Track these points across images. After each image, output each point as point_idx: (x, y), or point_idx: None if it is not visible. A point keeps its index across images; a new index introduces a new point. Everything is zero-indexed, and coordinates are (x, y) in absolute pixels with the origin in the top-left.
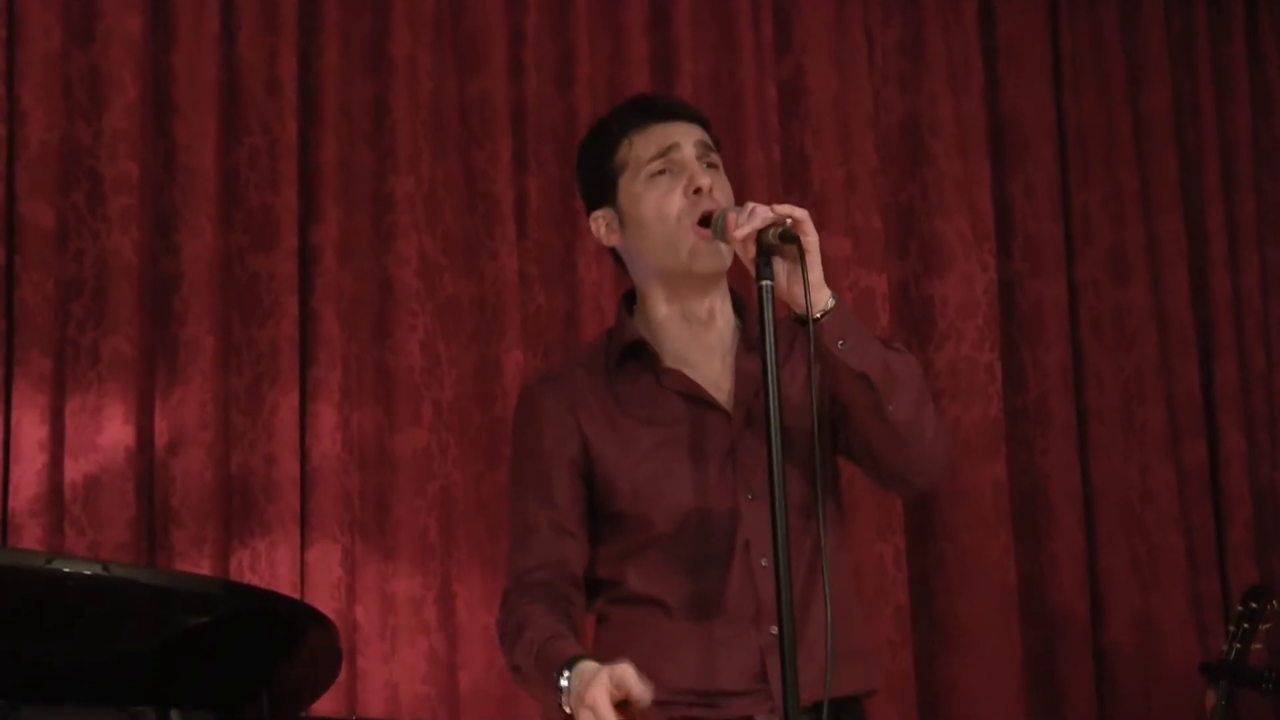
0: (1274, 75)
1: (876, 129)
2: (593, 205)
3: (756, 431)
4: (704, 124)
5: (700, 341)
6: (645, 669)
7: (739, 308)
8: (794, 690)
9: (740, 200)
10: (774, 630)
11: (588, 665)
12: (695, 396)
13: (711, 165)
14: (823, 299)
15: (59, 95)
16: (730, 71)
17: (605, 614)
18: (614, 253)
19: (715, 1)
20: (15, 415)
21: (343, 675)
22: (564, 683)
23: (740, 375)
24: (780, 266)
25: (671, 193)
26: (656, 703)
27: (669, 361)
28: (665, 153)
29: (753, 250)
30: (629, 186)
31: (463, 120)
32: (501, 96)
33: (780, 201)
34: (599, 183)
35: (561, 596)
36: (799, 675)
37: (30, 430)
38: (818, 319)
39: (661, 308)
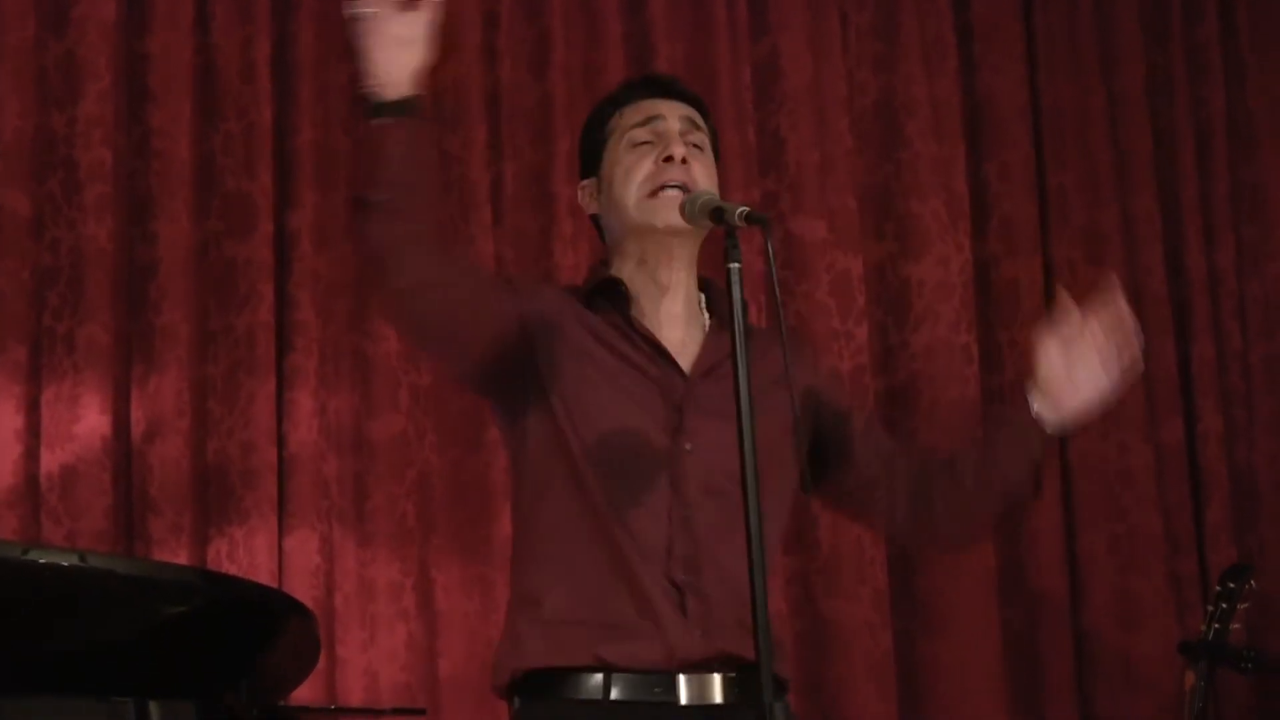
0: (1248, 54)
1: (851, 111)
2: (583, 175)
3: (710, 397)
4: (698, 106)
5: (664, 307)
6: (563, 581)
7: (706, 290)
8: (768, 668)
9: (722, 186)
10: (684, 578)
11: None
12: (656, 345)
13: (696, 146)
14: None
15: (33, 83)
16: (705, 54)
17: (520, 528)
18: (595, 222)
19: None
20: None
21: (322, 663)
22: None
23: (707, 346)
24: (1055, 360)
25: (645, 158)
26: (574, 621)
27: (634, 310)
28: (648, 122)
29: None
30: (611, 153)
31: (437, 105)
32: (476, 81)
33: (755, 183)
34: (589, 153)
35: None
36: (694, 625)
37: (6, 420)
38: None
39: (629, 271)
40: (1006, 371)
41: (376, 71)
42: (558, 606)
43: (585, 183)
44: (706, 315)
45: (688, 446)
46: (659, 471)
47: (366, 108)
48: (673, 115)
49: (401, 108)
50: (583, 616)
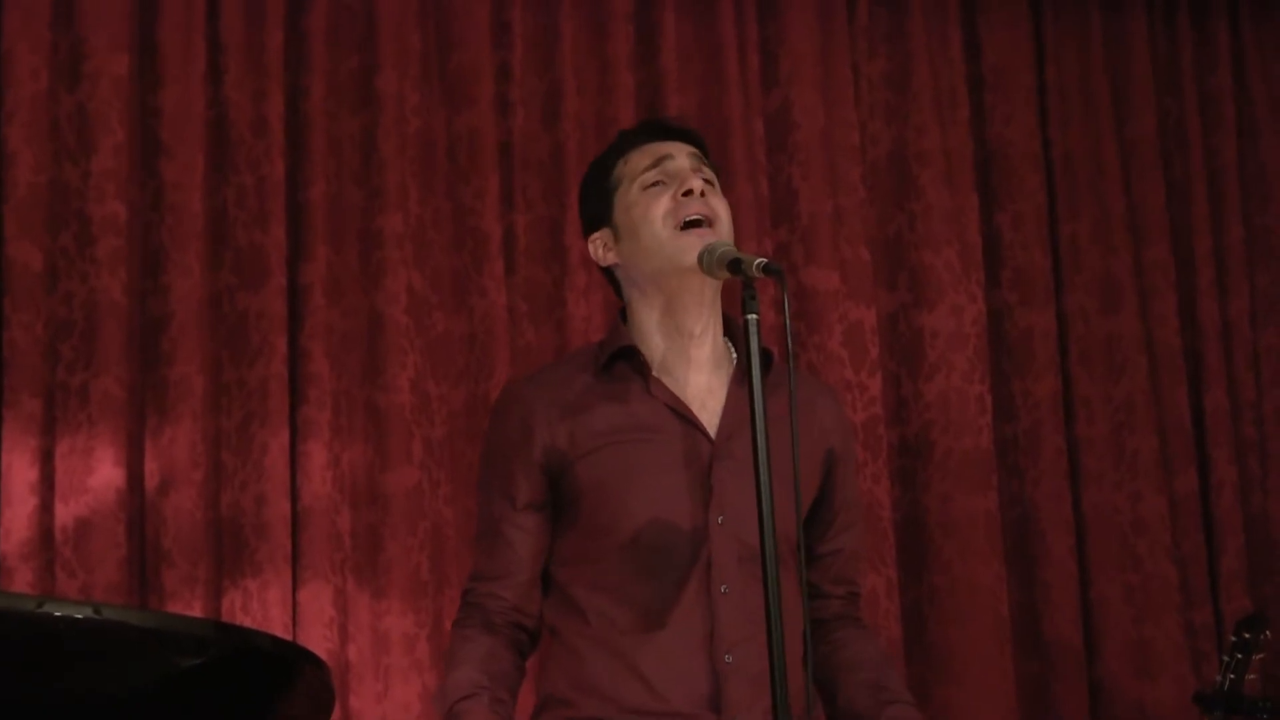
0: (1260, 102)
1: (864, 161)
2: (591, 229)
3: (738, 457)
4: (699, 144)
5: (688, 356)
6: (591, 684)
7: (732, 333)
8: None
9: (735, 238)
10: (729, 659)
11: None
12: (678, 411)
13: (707, 180)
14: None
15: (46, 137)
16: (717, 105)
17: (554, 624)
18: (609, 275)
19: (701, 35)
20: (6, 458)
21: (336, 715)
22: None
23: (732, 399)
24: None
25: (661, 197)
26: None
27: (655, 371)
28: (659, 163)
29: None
30: (624, 198)
31: (450, 157)
32: (489, 133)
33: (767, 234)
34: (597, 204)
35: (512, 614)
36: (749, 709)
37: (20, 473)
38: None
39: (653, 318)
40: (1021, 421)
41: None
42: (590, 709)
43: (596, 235)
44: (733, 357)
45: (719, 519)
46: (693, 555)
47: None
48: (680, 154)
49: None
50: (616, 718)
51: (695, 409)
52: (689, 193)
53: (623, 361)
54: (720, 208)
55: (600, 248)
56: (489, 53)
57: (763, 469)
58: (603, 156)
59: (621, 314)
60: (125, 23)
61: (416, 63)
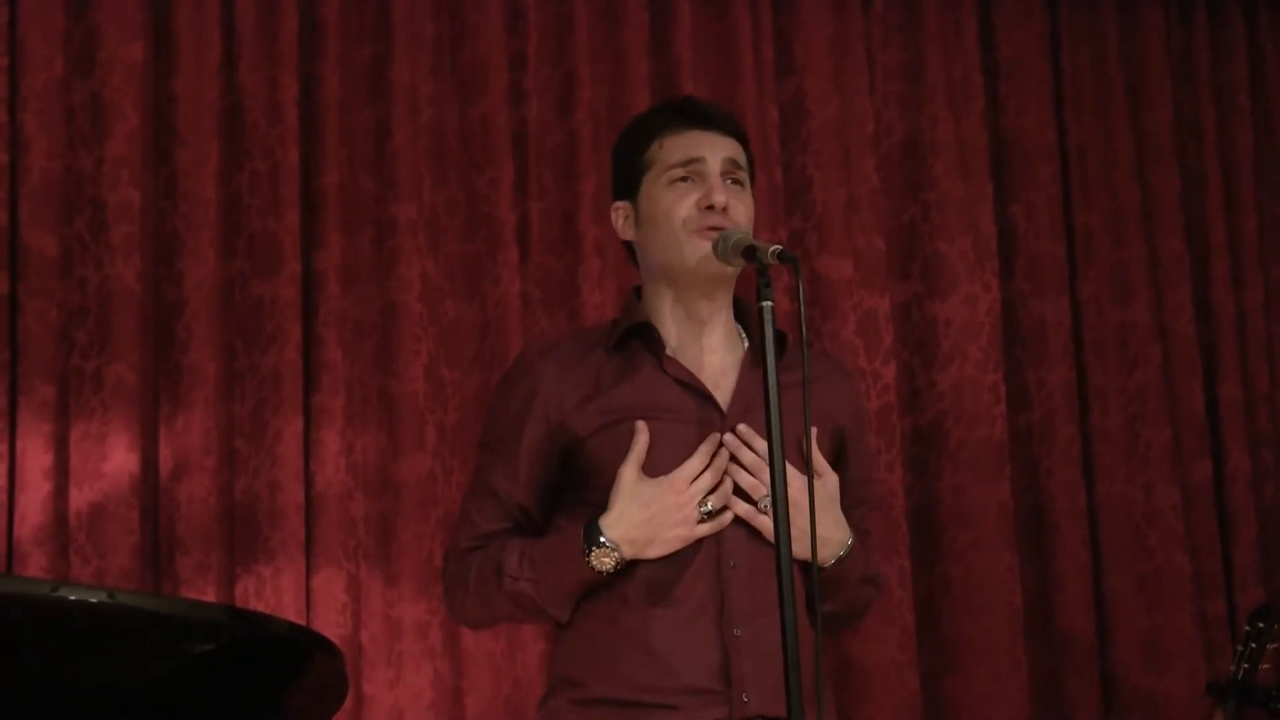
0: (1275, 94)
1: (878, 150)
2: (616, 195)
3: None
4: (741, 138)
5: (700, 340)
6: (600, 663)
7: (743, 315)
8: (798, 698)
9: (758, 225)
10: (738, 632)
11: (612, 513)
12: (692, 387)
13: (736, 182)
14: (835, 548)
15: (61, 123)
16: (731, 94)
17: None
18: (628, 246)
19: (716, 24)
20: (20, 444)
21: (349, 701)
22: (605, 540)
23: (745, 378)
24: None
25: (685, 199)
26: (615, 701)
27: (670, 350)
28: (690, 162)
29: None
30: (650, 185)
31: (464, 145)
32: (502, 122)
33: (782, 222)
34: (626, 175)
35: None
36: (759, 683)
37: (35, 458)
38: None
39: (666, 301)
40: (1034, 411)
41: (648, 544)
42: (600, 689)
43: (620, 205)
44: (744, 340)
45: (732, 495)
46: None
47: (596, 542)
48: (714, 156)
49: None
50: (627, 698)
51: (709, 388)
52: (711, 207)
53: (636, 339)
54: (742, 213)
55: (621, 219)
56: (503, 42)
57: (776, 454)
58: (640, 127)
59: (636, 291)
60: (139, 10)
61: (430, 52)
